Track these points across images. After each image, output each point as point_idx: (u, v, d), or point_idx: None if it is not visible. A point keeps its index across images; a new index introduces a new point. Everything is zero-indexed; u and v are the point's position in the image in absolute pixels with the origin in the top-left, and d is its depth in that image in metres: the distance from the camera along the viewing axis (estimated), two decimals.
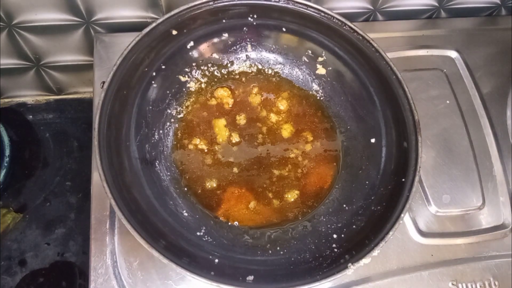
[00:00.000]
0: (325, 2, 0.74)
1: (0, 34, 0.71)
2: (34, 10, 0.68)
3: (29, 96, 0.93)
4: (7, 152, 0.82)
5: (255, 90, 0.67)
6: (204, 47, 0.63)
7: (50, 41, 0.75)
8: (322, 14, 0.58)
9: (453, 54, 0.75)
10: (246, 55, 0.66)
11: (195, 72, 0.65)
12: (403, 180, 0.53)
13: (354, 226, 0.56)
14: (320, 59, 0.65)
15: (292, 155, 0.63)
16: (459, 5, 0.79)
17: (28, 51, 0.77)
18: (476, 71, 0.74)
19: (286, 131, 0.65)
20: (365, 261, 0.47)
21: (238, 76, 0.67)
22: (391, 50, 0.72)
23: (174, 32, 0.57)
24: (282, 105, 0.66)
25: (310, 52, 0.64)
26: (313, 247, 0.56)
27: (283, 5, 0.58)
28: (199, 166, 0.61)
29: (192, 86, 0.65)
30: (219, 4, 0.57)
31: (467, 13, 0.81)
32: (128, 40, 0.53)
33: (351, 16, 0.78)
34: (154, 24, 0.54)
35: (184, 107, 0.64)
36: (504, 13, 0.83)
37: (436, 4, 0.79)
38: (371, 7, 0.77)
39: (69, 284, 0.83)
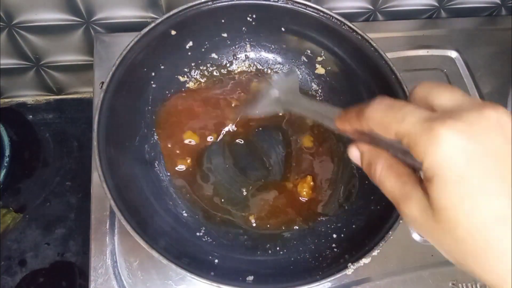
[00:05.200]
0: (325, 2, 0.74)
1: (0, 34, 0.71)
2: (34, 10, 0.67)
3: (29, 96, 0.93)
4: (7, 152, 0.82)
5: None
6: (203, 47, 0.63)
7: (50, 41, 0.75)
8: (321, 14, 0.57)
9: (453, 54, 0.75)
10: (245, 55, 0.66)
11: (194, 72, 0.65)
12: None
13: (354, 226, 0.56)
14: (319, 58, 0.64)
15: (292, 154, 0.63)
16: (459, 5, 0.79)
17: (28, 51, 0.77)
18: (476, 71, 0.74)
19: None
20: (365, 261, 0.47)
21: (237, 76, 0.67)
22: (391, 50, 0.72)
23: (173, 32, 0.57)
24: None
25: (309, 51, 0.64)
26: (313, 247, 0.55)
27: (282, 5, 0.58)
28: None
29: (191, 86, 0.65)
30: (218, 4, 0.57)
31: (467, 13, 0.81)
32: (128, 40, 0.53)
33: (351, 16, 0.78)
34: (153, 24, 0.54)
35: None
36: (504, 13, 0.83)
37: (436, 4, 0.79)
38: (371, 7, 0.77)
39: (69, 284, 0.83)
